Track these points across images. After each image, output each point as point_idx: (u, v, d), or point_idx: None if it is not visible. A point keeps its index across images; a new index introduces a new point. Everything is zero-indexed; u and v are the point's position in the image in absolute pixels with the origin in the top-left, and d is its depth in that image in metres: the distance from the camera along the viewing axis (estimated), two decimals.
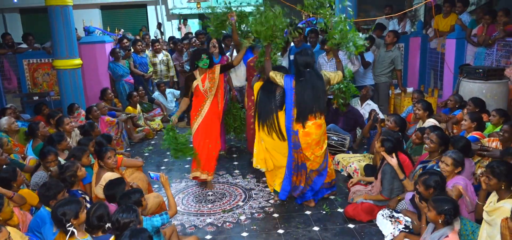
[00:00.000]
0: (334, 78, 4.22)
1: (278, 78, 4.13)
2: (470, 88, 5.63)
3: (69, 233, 2.72)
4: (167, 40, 10.54)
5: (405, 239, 3.37)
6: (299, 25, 8.65)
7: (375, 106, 6.60)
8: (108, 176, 3.71)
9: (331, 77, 4.20)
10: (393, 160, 3.79)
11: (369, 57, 6.99)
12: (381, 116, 5.90)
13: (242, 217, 4.16)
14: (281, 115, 4.26)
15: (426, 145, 4.03)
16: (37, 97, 7.37)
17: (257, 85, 4.56)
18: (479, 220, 3.14)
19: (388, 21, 9.01)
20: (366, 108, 6.52)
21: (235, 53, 6.35)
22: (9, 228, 2.72)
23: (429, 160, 3.97)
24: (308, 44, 6.69)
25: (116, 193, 3.31)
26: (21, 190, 3.57)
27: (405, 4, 10.95)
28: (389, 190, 3.84)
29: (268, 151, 4.42)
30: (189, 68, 7.58)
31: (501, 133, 4.00)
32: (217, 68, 4.72)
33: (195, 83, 4.66)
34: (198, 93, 4.70)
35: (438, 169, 3.45)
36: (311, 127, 4.04)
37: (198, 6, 14.39)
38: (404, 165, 3.99)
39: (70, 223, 2.73)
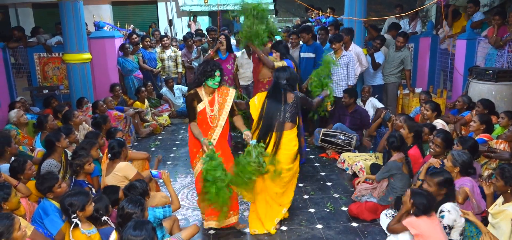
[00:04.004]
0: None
1: (279, 62, 4.92)
2: (480, 90, 5.56)
3: (73, 225, 2.75)
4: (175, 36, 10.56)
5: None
6: (309, 22, 8.63)
7: (375, 101, 6.56)
8: (122, 165, 3.76)
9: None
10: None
11: (379, 57, 6.94)
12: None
13: (246, 213, 4.16)
14: (291, 132, 3.67)
15: (431, 150, 3.99)
16: (47, 91, 7.46)
17: (261, 96, 3.79)
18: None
19: (399, 21, 8.94)
20: (368, 106, 6.51)
21: (244, 54, 6.38)
22: None
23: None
24: (318, 42, 6.66)
25: (110, 199, 3.12)
26: (29, 181, 3.63)
27: (416, 4, 10.84)
28: (381, 176, 3.98)
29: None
30: (196, 64, 7.63)
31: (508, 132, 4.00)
32: (231, 93, 3.72)
33: (200, 106, 3.61)
34: (202, 120, 3.62)
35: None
36: None
37: (206, 1, 14.41)
38: (418, 162, 4.09)
39: (76, 215, 2.76)
